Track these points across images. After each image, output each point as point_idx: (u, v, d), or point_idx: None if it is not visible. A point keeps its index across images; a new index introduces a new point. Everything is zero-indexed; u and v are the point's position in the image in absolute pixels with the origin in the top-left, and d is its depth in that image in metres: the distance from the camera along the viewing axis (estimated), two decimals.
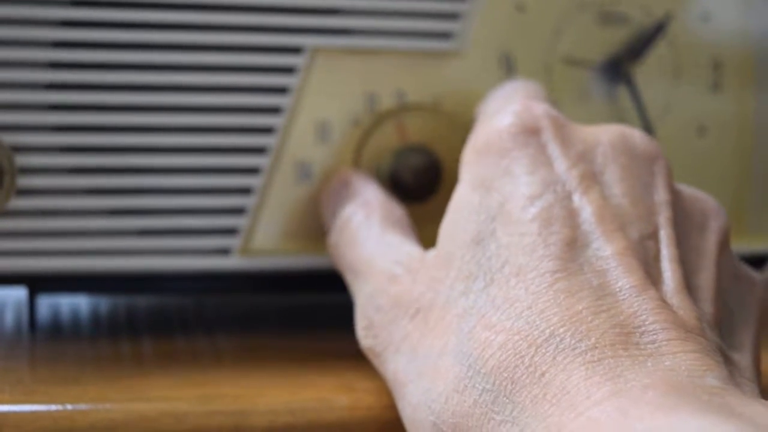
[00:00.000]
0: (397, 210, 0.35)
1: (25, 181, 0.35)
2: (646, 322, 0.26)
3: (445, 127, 0.39)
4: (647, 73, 0.41)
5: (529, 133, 0.30)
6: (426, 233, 0.35)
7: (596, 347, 0.25)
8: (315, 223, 0.38)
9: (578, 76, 0.40)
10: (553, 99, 0.38)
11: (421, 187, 0.38)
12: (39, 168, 0.35)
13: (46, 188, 0.35)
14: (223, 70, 0.36)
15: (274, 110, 0.37)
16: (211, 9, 0.36)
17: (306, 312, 0.44)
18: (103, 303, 0.44)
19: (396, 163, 0.38)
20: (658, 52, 0.41)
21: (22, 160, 0.35)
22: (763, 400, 0.25)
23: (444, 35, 0.38)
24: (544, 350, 0.26)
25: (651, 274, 0.28)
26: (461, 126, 0.38)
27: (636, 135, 0.31)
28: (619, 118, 0.41)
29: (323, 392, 0.33)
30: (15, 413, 0.30)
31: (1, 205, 0.35)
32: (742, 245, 0.42)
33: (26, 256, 0.36)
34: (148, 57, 0.36)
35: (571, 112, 0.39)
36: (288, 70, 0.37)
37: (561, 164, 0.30)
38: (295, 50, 0.37)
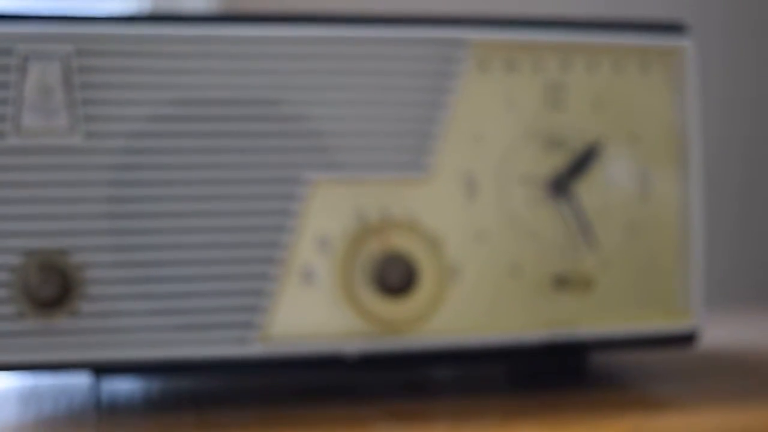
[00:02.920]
0: None
1: (90, 290, 0.45)
2: None
3: (420, 238, 0.48)
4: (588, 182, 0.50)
5: None
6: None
7: None
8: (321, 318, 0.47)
9: (531, 192, 0.50)
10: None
11: (401, 287, 0.48)
12: (100, 279, 0.45)
13: (106, 295, 0.46)
14: (239, 199, 0.47)
15: (281, 229, 0.47)
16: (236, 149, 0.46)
17: (313, 389, 0.53)
18: (153, 385, 0.54)
19: (381, 267, 0.48)
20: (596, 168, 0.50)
21: (88, 273, 0.45)
22: None
23: (416, 165, 0.48)
24: None
25: None
26: (432, 238, 0.48)
27: None
28: (565, 224, 0.50)
29: None
30: None
31: (74, 308, 0.45)
32: (674, 324, 0.51)
33: (91, 347, 0.46)
34: (182, 191, 0.46)
35: (526, 220, 0.49)
36: (293, 198, 0.47)
37: None
38: (299, 182, 0.47)
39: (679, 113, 0.51)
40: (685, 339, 0.51)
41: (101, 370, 0.46)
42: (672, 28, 0.51)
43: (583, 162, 0.50)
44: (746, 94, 1.25)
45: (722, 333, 0.73)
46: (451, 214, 0.49)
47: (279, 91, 0.47)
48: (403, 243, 0.48)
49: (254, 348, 0.47)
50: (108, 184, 0.46)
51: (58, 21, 0.45)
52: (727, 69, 1.25)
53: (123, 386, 0.54)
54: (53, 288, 0.45)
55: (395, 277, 0.48)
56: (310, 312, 0.47)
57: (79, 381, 0.55)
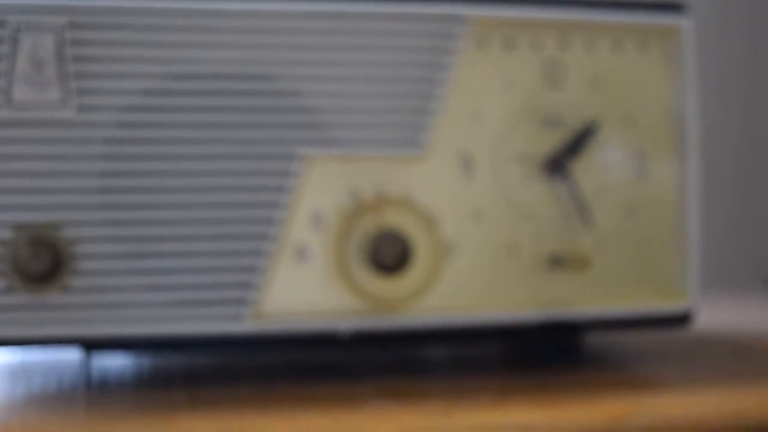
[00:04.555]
0: None
1: (81, 265, 0.45)
2: None
3: (415, 216, 0.48)
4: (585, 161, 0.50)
5: None
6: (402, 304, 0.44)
7: None
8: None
9: (527, 171, 0.49)
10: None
11: (395, 264, 0.47)
12: (92, 254, 0.45)
13: (97, 270, 0.45)
14: (233, 175, 0.46)
15: (275, 205, 0.47)
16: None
17: (305, 366, 0.53)
18: (144, 361, 0.53)
19: (376, 245, 0.47)
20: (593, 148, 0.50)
21: (79, 248, 0.45)
22: None
23: (411, 143, 0.48)
24: None
25: None
26: (428, 216, 0.48)
27: None
28: (562, 203, 0.49)
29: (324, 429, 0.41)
30: None
31: (64, 283, 0.45)
32: (669, 304, 0.51)
33: (82, 323, 0.45)
34: (175, 166, 0.46)
35: (523, 199, 0.49)
36: (287, 174, 0.47)
37: None
38: (295, 158, 0.47)
39: (677, 92, 0.51)
40: (680, 320, 0.51)
41: (92, 346, 0.46)
42: (670, 7, 0.51)
43: (580, 141, 0.49)
44: (744, 76, 1.25)
45: (717, 314, 0.73)
46: (447, 192, 0.48)
47: (274, 66, 0.46)
48: (397, 220, 0.48)
49: (247, 325, 0.46)
50: (100, 158, 0.45)
51: None
52: (724, 52, 1.25)
53: (114, 362, 0.54)
54: (44, 263, 0.45)
55: (390, 255, 0.47)
56: (304, 289, 0.47)
57: (70, 357, 0.55)
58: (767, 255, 1.18)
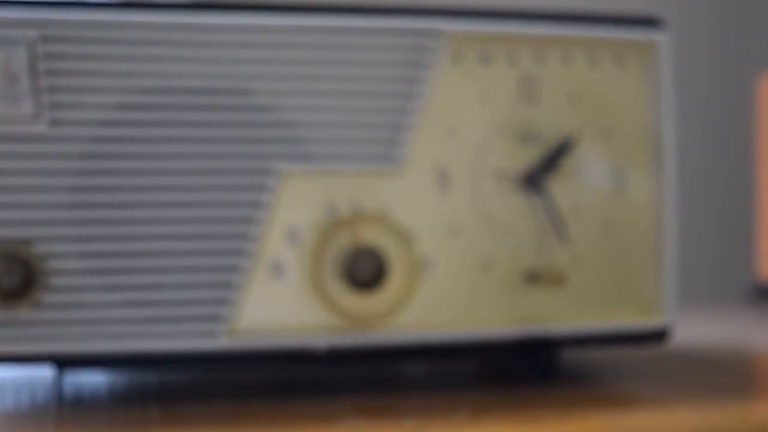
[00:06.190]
0: None
1: (54, 281, 0.44)
2: None
3: (391, 232, 0.48)
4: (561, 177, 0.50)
5: None
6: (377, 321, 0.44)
7: None
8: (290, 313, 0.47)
9: (504, 186, 0.49)
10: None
11: (371, 280, 0.47)
12: (64, 270, 0.45)
13: (70, 286, 0.45)
14: (208, 190, 0.46)
15: (250, 221, 0.46)
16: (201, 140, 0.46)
17: (278, 383, 0.52)
18: (118, 378, 0.53)
19: (351, 261, 0.47)
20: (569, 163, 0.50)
21: (52, 264, 0.44)
22: None
23: (387, 158, 0.48)
24: None
25: None
26: (404, 232, 0.48)
27: None
28: (539, 219, 0.49)
29: None
30: None
31: (37, 299, 0.44)
32: (646, 321, 0.51)
33: (55, 340, 0.45)
34: (150, 181, 0.45)
35: (499, 215, 0.48)
36: (263, 189, 0.46)
37: None
38: (270, 173, 0.46)
39: (654, 108, 0.51)
40: (657, 336, 0.51)
41: (64, 363, 0.46)
42: (647, 22, 0.51)
43: (556, 156, 0.49)
44: (729, 90, 1.25)
45: (696, 328, 0.73)
46: (423, 208, 0.48)
47: (250, 80, 0.46)
48: (373, 236, 0.47)
49: (221, 342, 0.46)
50: (74, 173, 0.45)
51: (23, 6, 0.44)
52: (709, 65, 1.25)
53: (87, 379, 0.53)
54: (16, 278, 0.44)
55: (365, 271, 0.47)
56: (279, 305, 0.47)
57: (42, 374, 0.54)
58: (749, 268, 1.18)
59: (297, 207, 0.47)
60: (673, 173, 0.51)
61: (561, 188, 0.50)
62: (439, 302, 0.48)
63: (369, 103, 0.47)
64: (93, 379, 0.53)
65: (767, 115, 1.01)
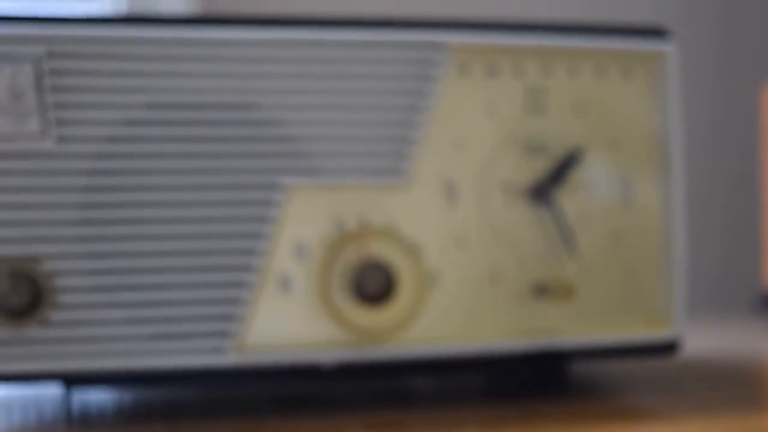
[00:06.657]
0: None
1: (61, 298, 0.44)
2: None
3: (399, 246, 0.48)
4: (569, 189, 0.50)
5: None
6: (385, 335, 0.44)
7: None
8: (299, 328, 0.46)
9: (511, 198, 0.49)
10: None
11: (379, 295, 0.47)
12: (72, 287, 0.44)
13: (77, 303, 0.45)
14: (215, 205, 0.46)
15: (257, 236, 0.46)
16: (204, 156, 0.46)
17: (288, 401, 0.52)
18: (125, 396, 0.53)
19: (359, 275, 0.47)
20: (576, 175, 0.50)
21: (59, 281, 0.44)
22: None
23: (394, 171, 0.48)
24: None
25: None
26: (411, 245, 0.47)
27: None
28: (546, 231, 0.49)
29: None
30: None
31: (44, 317, 0.44)
32: (655, 333, 0.50)
33: (62, 358, 0.45)
34: (157, 197, 0.45)
35: (507, 227, 0.48)
36: (269, 204, 0.46)
37: None
38: (277, 188, 0.46)
39: (661, 119, 0.51)
40: (667, 348, 0.51)
41: (72, 380, 0.45)
42: (653, 32, 0.51)
43: (563, 168, 0.49)
44: (734, 100, 1.25)
45: (706, 339, 0.73)
46: (431, 221, 0.48)
47: (256, 94, 0.46)
48: (381, 250, 0.47)
49: (229, 358, 0.46)
50: (80, 189, 0.45)
51: (29, 22, 0.44)
52: (715, 75, 1.25)
53: (95, 397, 0.53)
54: (23, 296, 0.44)
55: (373, 285, 0.47)
56: (287, 321, 0.46)
57: (50, 392, 0.54)
58: (755, 277, 1.18)
59: (304, 221, 0.47)
60: (681, 183, 0.51)
61: (568, 199, 0.50)
62: (447, 315, 0.48)
63: (375, 116, 0.47)
64: (100, 397, 0.53)
65: None
